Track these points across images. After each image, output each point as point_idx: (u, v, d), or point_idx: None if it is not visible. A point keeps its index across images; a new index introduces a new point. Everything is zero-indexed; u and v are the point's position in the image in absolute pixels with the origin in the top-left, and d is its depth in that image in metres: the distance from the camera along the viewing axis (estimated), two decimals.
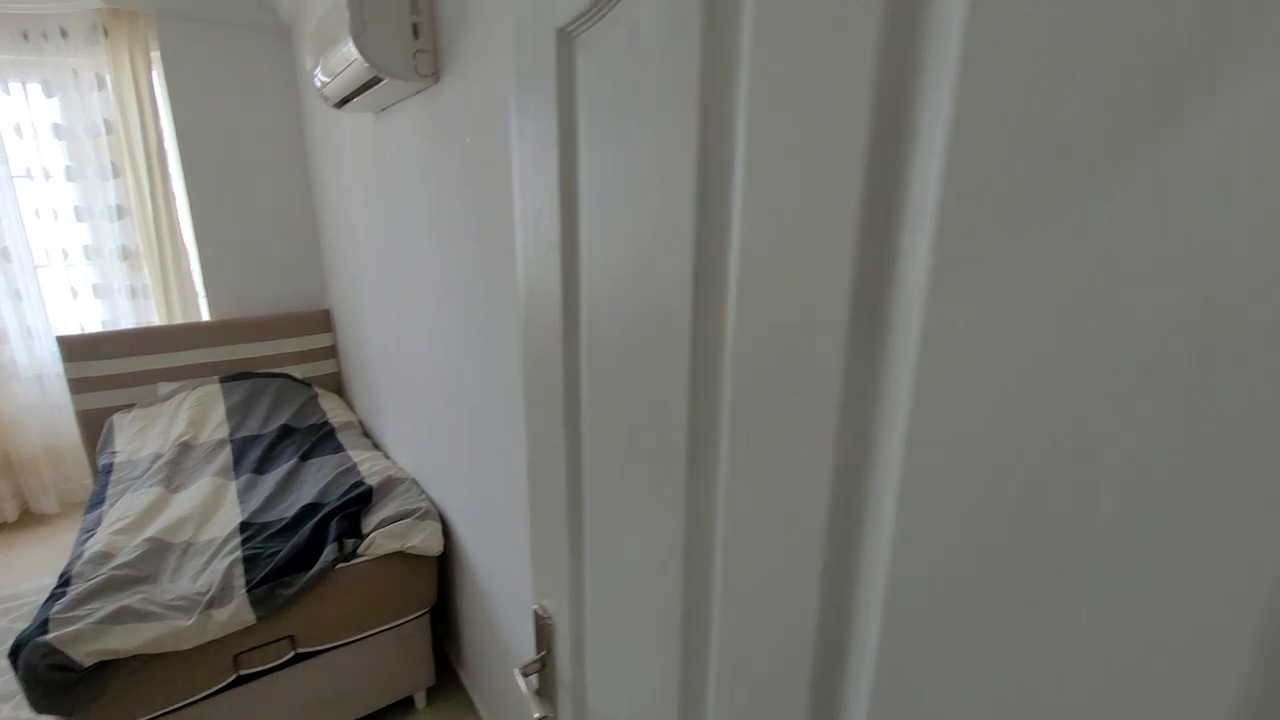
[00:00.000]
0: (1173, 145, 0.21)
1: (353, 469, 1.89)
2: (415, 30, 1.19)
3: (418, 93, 1.35)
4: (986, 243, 0.26)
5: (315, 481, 1.83)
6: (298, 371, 2.67)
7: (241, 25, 2.52)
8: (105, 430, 2.23)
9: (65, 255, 2.70)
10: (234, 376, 2.46)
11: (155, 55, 2.50)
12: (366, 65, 1.18)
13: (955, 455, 0.29)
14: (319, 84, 1.58)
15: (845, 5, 0.30)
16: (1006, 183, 0.26)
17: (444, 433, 1.61)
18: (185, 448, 2.05)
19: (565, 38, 0.50)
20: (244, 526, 1.61)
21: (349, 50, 1.21)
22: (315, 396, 2.51)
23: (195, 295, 2.75)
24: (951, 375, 0.29)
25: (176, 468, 1.92)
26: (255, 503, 1.73)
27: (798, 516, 0.37)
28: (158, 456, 1.98)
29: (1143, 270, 0.22)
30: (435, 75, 1.24)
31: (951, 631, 0.30)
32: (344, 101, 1.54)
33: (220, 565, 1.43)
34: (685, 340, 0.43)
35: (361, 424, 2.43)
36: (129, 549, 1.47)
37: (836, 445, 0.34)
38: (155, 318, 2.71)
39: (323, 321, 2.77)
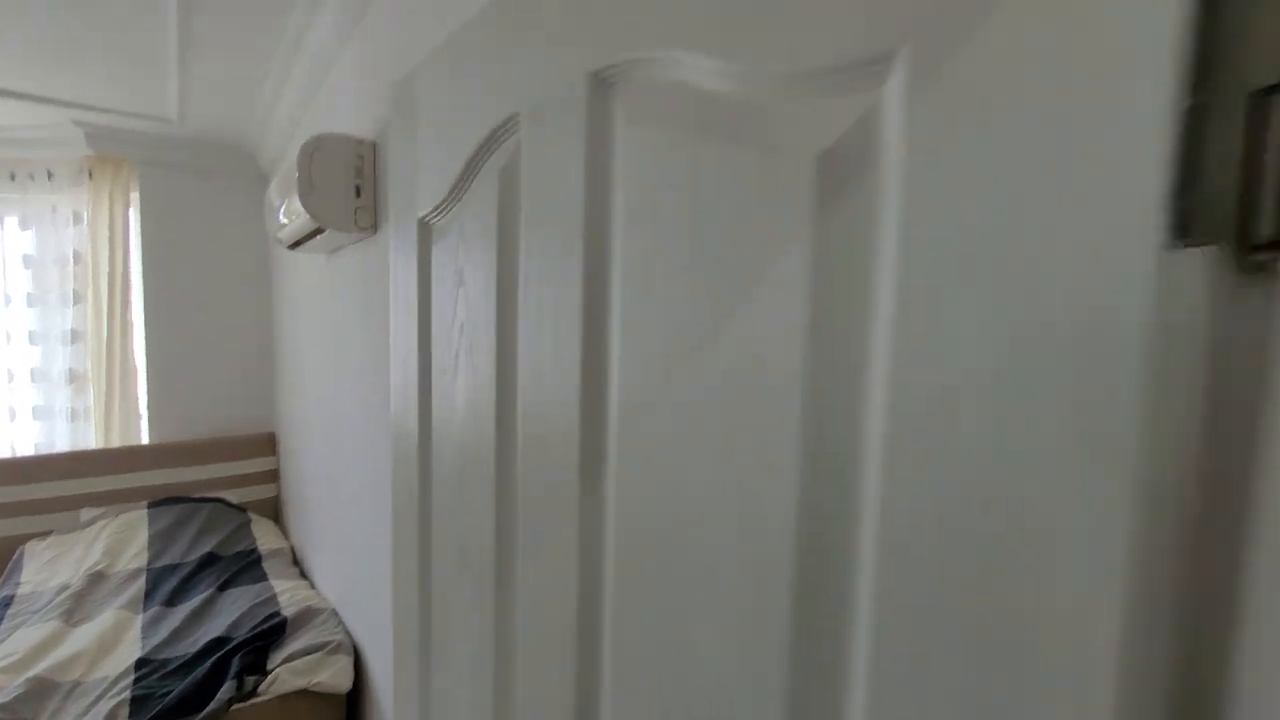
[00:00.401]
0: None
1: (271, 599, 1.83)
2: (358, 190, 1.35)
3: (359, 240, 1.50)
4: (636, 414, 0.36)
5: (229, 613, 1.76)
6: (234, 496, 2.62)
7: (223, 173, 2.76)
8: (14, 560, 2.13)
9: (11, 377, 2.71)
10: (164, 501, 2.41)
11: (135, 195, 2.69)
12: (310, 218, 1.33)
13: (642, 569, 0.36)
14: (279, 224, 1.73)
15: (567, 245, 0.41)
16: (651, 378, 0.36)
17: (370, 563, 1.59)
18: (97, 578, 1.97)
19: (424, 226, 0.63)
20: (141, 663, 1.53)
21: (298, 204, 1.37)
22: (248, 523, 2.46)
23: (138, 418, 2.74)
24: (632, 505, 0.37)
25: (82, 600, 1.84)
26: (159, 637, 1.65)
27: (560, 619, 0.43)
28: (65, 587, 1.89)
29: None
30: (374, 227, 1.39)
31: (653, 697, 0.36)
32: (296, 244, 1.69)
33: (105, 707, 1.35)
34: (492, 473, 0.51)
35: (294, 551, 2.37)
36: (8, 690, 1.38)
37: (580, 561, 0.42)
38: (92, 440, 2.68)
39: (267, 445, 2.77)
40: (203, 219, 2.74)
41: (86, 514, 2.32)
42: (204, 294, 2.75)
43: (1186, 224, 0.18)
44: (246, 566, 2.09)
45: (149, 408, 2.66)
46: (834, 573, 0.27)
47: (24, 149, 2.58)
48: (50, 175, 2.70)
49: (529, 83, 0.45)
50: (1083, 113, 0.19)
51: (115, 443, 2.67)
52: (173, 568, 2.06)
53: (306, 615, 1.73)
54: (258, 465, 2.73)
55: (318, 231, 1.46)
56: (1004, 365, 0.21)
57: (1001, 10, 0.20)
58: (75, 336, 2.72)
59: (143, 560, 2.08)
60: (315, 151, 1.30)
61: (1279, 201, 0.18)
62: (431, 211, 0.61)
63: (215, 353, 2.77)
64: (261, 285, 2.86)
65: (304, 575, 2.14)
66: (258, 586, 1.94)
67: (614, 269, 0.39)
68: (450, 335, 0.58)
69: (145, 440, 2.69)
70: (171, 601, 1.86)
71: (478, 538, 0.54)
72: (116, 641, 1.64)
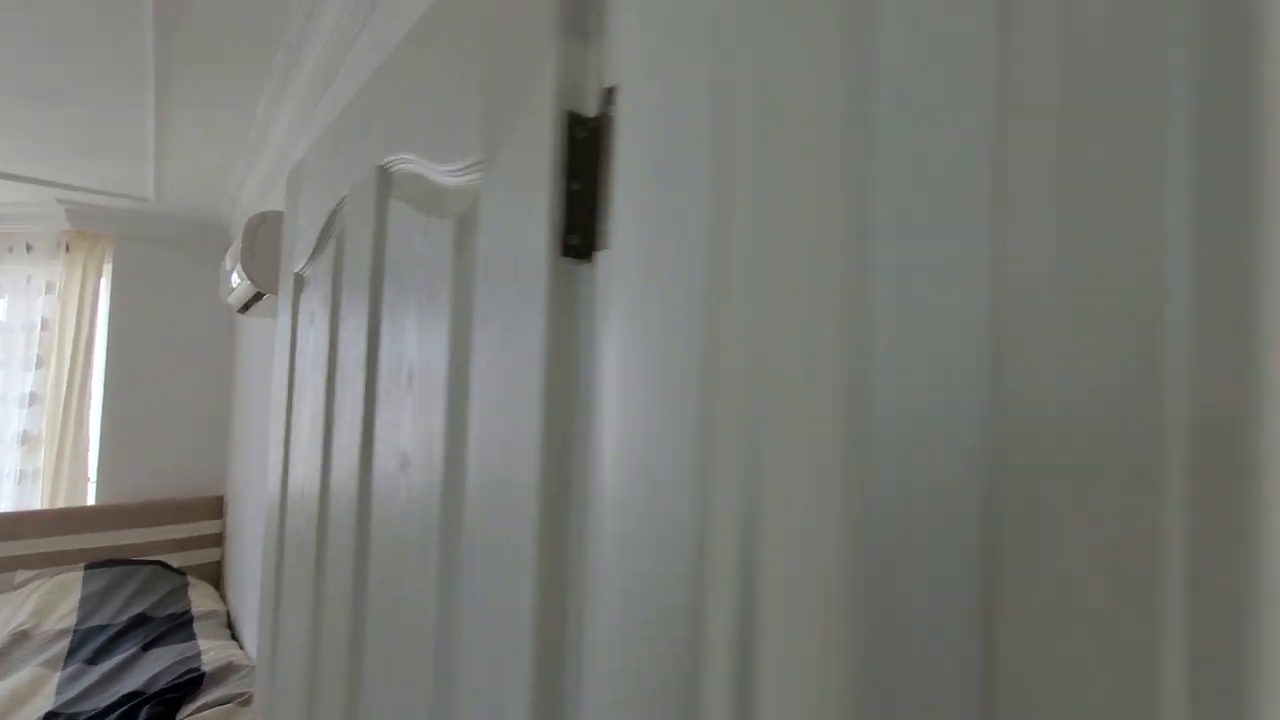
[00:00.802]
0: None
1: (195, 657, 1.83)
2: None
3: None
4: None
5: (149, 670, 1.77)
6: (175, 560, 2.63)
7: (193, 246, 2.93)
8: None
9: None
10: (102, 563, 2.41)
11: (108, 266, 2.84)
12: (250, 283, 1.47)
13: (386, 565, 0.48)
14: (230, 288, 1.87)
15: (360, 287, 0.56)
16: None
17: None
18: (21, 638, 1.96)
19: (298, 277, 0.77)
20: (50, 716, 1.53)
21: (240, 270, 1.52)
22: (185, 586, 2.45)
23: (86, 481, 2.77)
24: (383, 530, 0.49)
25: (1, 658, 1.83)
26: (73, 693, 1.65)
27: (342, 607, 0.54)
28: None
29: None
30: None
31: None
32: (245, 307, 1.83)
33: None
34: (316, 495, 0.63)
35: (229, 615, 2.36)
36: None
37: (354, 563, 0.53)
38: (37, 502, 2.70)
39: (214, 508, 2.80)
40: (171, 288, 2.88)
41: (21, 575, 2.32)
42: (165, 360, 2.86)
43: (574, 248, 0.33)
44: (176, 627, 2.09)
45: (98, 470, 2.70)
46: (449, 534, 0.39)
47: (6, 223, 2.74)
48: (29, 248, 2.86)
49: (350, 173, 0.60)
50: (526, 194, 0.34)
51: (61, 504, 2.69)
52: (100, 628, 2.06)
53: (226, 670, 1.74)
54: (204, 529, 2.75)
55: (260, 296, 1.61)
56: (497, 356, 0.35)
57: (505, 146, 0.36)
58: (33, 399, 2.79)
59: (70, 621, 2.08)
60: (260, 225, 1.47)
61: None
62: (303, 265, 0.76)
63: (170, 417, 2.84)
64: (223, 353, 2.98)
65: (235, 637, 2.14)
66: (183, 645, 1.94)
67: (384, 306, 0.53)
68: (303, 368, 0.71)
69: (91, 502, 2.71)
70: (94, 660, 1.86)
71: (309, 551, 0.65)
72: (30, 696, 1.64)
